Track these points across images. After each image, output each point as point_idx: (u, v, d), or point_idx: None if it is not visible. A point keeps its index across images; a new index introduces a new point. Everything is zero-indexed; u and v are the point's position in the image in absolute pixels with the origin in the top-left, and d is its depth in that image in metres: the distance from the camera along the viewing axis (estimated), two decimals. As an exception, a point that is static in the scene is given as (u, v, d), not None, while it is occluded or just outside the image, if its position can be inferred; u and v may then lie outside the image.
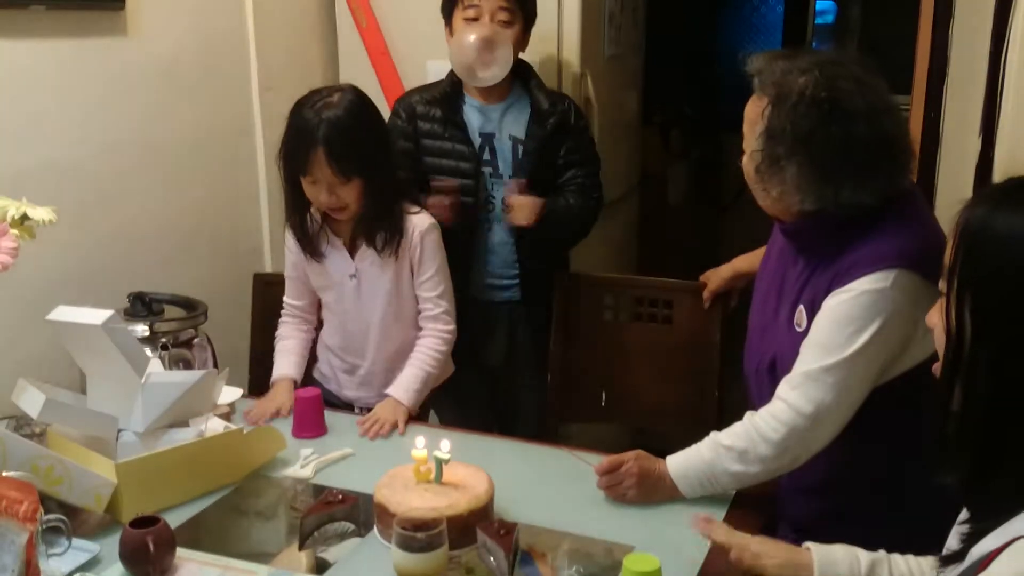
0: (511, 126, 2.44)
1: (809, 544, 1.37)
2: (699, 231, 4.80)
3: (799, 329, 1.67)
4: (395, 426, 2.04)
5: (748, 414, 1.67)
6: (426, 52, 2.71)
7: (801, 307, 1.68)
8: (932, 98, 3.05)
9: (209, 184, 2.68)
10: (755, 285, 1.93)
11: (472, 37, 2.30)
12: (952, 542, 1.11)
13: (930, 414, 1.39)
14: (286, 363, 2.23)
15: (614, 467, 1.70)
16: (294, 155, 2.03)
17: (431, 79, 2.57)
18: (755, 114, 1.63)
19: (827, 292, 1.61)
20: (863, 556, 1.34)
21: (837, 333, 1.56)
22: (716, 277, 2.31)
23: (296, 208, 2.13)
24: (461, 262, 2.37)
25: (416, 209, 2.17)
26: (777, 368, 1.73)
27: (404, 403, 2.08)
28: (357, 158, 2.00)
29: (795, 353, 1.65)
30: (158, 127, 2.50)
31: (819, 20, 5.41)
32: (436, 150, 2.42)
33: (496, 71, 2.34)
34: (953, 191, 3.07)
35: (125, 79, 2.38)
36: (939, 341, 1.14)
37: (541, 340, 2.51)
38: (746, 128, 1.67)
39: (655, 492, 1.69)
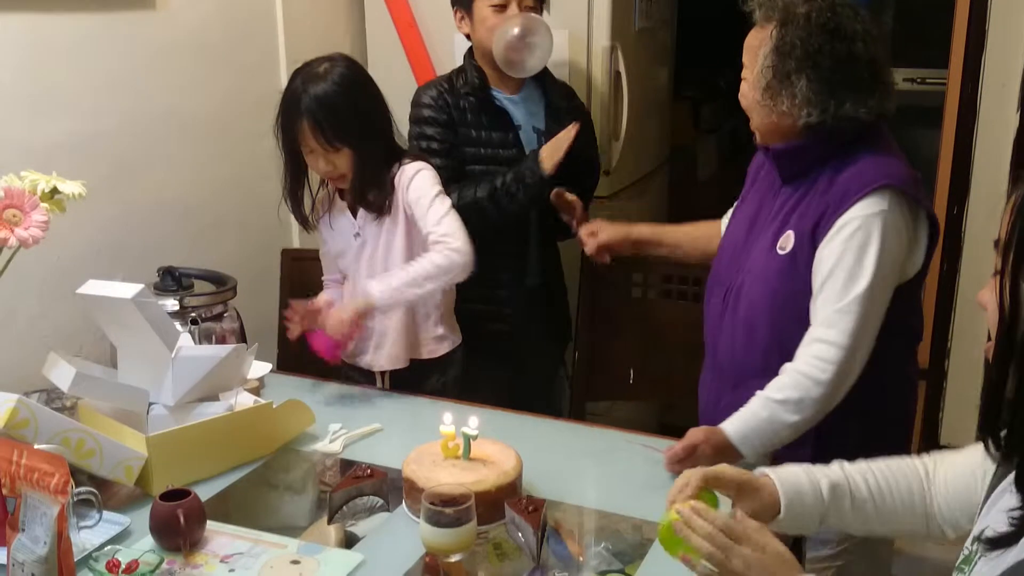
0: (532, 117, 2.42)
1: (767, 471, 1.33)
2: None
3: (782, 252, 1.75)
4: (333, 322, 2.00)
5: (786, 365, 1.69)
6: (454, 25, 2.68)
7: (790, 232, 1.75)
8: (969, 72, 3.00)
9: (237, 158, 2.68)
10: (728, 225, 2.03)
11: (516, 29, 2.26)
12: (999, 526, 1.07)
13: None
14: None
15: (688, 454, 1.67)
16: (286, 125, 2.06)
17: (459, 53, 2.54)
18: (759, 40, 1.73)
19: (820, 219, 1.70)
20: (823, 480, 1.32)
21: (855, 264, 1.66)
22: (611, 229, 2.21)
23: (292, 177, 2.14)
24: (509, 251, 2.40)
25: (407, 161, 2.13)
26: (743, 291, 1.82)
27: (374, 293, 2.02)
28: (343, 127, 2.01)
29: (768, 274, 1.76)
30: (187, 101, 2.50)
31: (854, -8, 5.32)
32: (475, 139, 2.39)
33: (538, 61, 2.32)
34: (991, 166, 3.02)
35: (153, 53, 2.38)
36: (992, 321, 1.08)
37: (557, 320, 2.49)
38: (747, 57, 1.76)
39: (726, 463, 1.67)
